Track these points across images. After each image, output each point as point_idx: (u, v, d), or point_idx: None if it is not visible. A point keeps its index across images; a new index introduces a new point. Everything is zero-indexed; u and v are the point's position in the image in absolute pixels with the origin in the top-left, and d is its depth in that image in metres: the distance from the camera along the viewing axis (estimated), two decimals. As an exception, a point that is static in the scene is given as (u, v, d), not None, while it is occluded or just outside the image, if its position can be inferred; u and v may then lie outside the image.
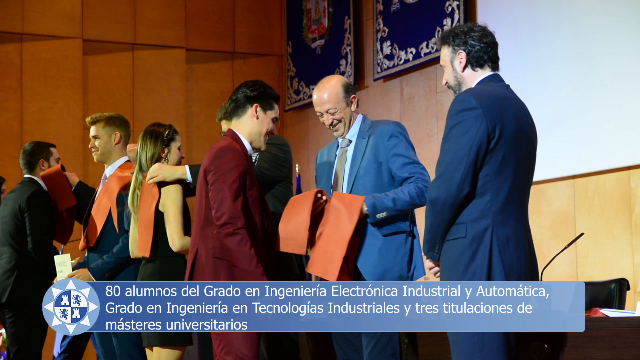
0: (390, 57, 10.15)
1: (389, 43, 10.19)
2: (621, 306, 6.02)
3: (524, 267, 4.08)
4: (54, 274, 6.19)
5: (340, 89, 5.08)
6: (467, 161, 4.02)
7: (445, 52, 4.30)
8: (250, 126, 4.86)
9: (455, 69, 4.27)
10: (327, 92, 5.09)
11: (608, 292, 6.11)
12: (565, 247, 5.38)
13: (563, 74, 8.07)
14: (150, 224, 5.25)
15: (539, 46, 8.32)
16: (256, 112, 4.84)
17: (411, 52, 9.84)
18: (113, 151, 6.00)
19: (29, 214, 6.51)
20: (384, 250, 4.94)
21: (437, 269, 4.24)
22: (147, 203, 5.27)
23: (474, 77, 4.25)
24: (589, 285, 6.49)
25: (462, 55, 4.24)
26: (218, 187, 4.62)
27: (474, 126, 4.02)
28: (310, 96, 11.29)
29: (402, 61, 9.98)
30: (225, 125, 5.64)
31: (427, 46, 9.63)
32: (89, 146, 6.05)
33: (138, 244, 5.33)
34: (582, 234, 5.58)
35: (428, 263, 4.28)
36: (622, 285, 6.13)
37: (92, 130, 6.00)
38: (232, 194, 4.61)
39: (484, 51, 4.24)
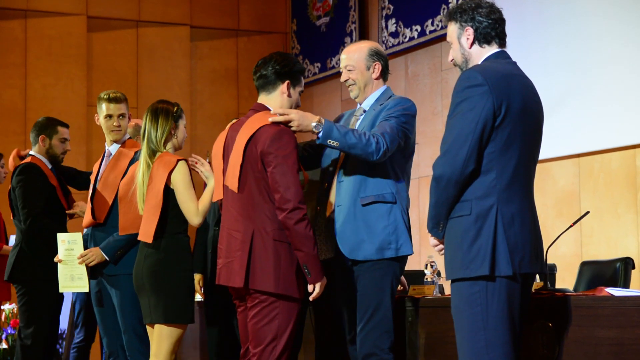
0: (395, 34, 10.12)
1: (394, 20, 10.15)
2: (626, 285, 6.01)
3: (529, 246, 4.06)
4: (45, 249, 6.19)
5: (366, 51, 5.05)
6: (472, 138, 3.98)
7: (452, 29, 4.25)
8: (280, 102, 4.81)
9: (463, 45, 4.23)
10: (351, 50, 5.09)
11: (613, 271, 6.10)
12: (571, 226, 5.35)
13: (569, 53, 8.05)
14: (157, 209, 5.25)
15: (544, 25, 8.29)
16: (287, 89, 4.80)
17: (416, 30, 9.81)
18: (127, 129, 6.02)
19: (17, 190, 6.49)
20: (362, 220, 4.87)
21: (441, 246, 4.21)
22: (156, 187, 5.26)
23: (481, 54, 4.22)
24: (593, 264, 6.48)
25: (469, 32, 4.20)
26: (282, 170, 4.57)
27: (480, 103, 3.98)
28: (315, 74, 11.30)
29: (407, 39, 9.96)
30: None
31: (432, 24, 9.60)
32: (114, 125, 5.92)
33: (141, 228, 5.34)
34: (587, 212, 5.55)
35: (432, 240, 4.24)
36: (627, 264, 6.12)
37: (120, 108, 5.93)
38: (295, 178, 4.59)
39: (492, 27, 4.20)
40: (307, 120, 4.71)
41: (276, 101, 4.81)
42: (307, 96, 11.55)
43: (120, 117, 5.92)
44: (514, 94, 4.05)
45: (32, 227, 6.39)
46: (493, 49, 4.22)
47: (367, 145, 4.71)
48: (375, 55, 5.06)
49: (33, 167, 6.50)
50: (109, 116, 5.92)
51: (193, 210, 5.21)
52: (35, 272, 6.44)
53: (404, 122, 4.87)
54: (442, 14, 9.43)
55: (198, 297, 6.54)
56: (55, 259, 5.93)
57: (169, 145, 5.36)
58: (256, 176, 4.64)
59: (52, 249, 6.10)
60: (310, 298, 4.66)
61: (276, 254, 4.60)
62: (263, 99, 4.84)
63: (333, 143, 4.71)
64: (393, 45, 10.08)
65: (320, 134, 4.71)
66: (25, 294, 6.50)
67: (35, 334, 6.49)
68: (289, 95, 4.81)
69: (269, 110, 4.79)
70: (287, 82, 4.79)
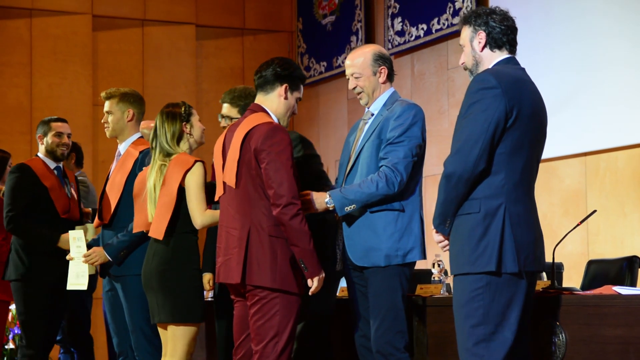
0: (401, 33, 10.11)
1: (400, 19, 10.15)
2: (633, 284, 6.02)
3: (532, 245, 4.17)
4: (33, 249, 6.21)
5: (370, 56, 5.05)
6: (484, 138, 4.08)
7: (466, 32, 4.37)
8: (276, 104, 4.87)
9: (475, 48, 4.35)
10: (356, 57, 5.09)
11: (620, 270, 6.11)
12: (577, 225, 5.36)
13: (575, 52, 8.05)
14: (170, 206, 5.23)
15: (550, 24, 8.29)
16: (285, 92, 4.85)
17: (422, 29, 9.80)
18: (125, 128, 5.97)
19: (4, 190, 6.54)
20: (370, 228, 4.91)
21: (445, 242, 4.31)
22: (170, 186, 5.24)
23: (491, 58, 4.34)
24: (600, 262, 6.48)
25: (482, 35, 4.32)
26: (275, 166, 4.62)
27: (493, 105, 4.09)
28: (321, 73, 11.29)
29: (413, 37, 9.95)
30: (227, 109, 5.67)
31: (438, 22, 9.59)
32: (102, 121, 6.03)
33: (152, 224, 5.32)
34: (594, 211, 5.55)
35: (437, 237, 4.33)
36: (633, 262, 6.12)
37: (106, 106, 5.97)
38: (289, 174, 4.63)
39: (504, 33, 4.32)
40: (320, 199, 4.85)
41: (273, 102, 4.88)
42: (313, 95, 11.55)
43: (107, 114, 5.96)
44: (525, 98, 4.17)
45: (10, 227, 6.40)
46: (503, 54, 4.34)
47: (380, 190, 4.81)
48: (380, 59, 5.07)
49: (23, 168, 6.49)
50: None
51: (199, 210, 5.18)
52: (20, 272, 6.44)
53: (414, 135, 4.91)
54: (448, 12, 9.42)
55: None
56: (68, 257, 5.94)
57: (185, 146, 5.36)
58: (251, 173, 4.69)
59: (35, 248, 6.12)
60: (310, 292, 4.70)
61: (272, 249, 4.64)
62: (260, 99, 4.90)
63: (351, 208, 4.85)
64: (399, 44, 10.07)
65: (336, 209, 4.85)
66: (15, 292, 6.50)
67: (28, 335, 6.45)
68: (286, 98, 4.87)
69: (266, 111, 4.85)
70: (285, 85, 4.86)
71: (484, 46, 4.33)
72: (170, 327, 5.23)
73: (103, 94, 5.98)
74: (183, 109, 5.37)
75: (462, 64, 4.44)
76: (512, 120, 4.11)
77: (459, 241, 4.18)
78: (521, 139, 4.15)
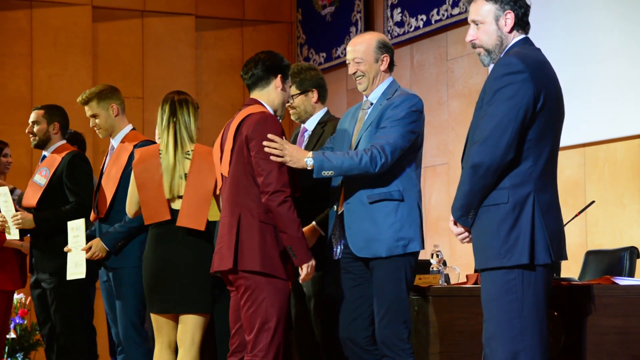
0: (400, 24, 10.11)
1: (399, 10, 10.15)
2: (631, 274, 6.04)
3: (560, 235, 4.10)
4: None
5: (374, 43, 5.05)
6: (514, 125, 3.95)
7: (489, 8, 4.17)
8: (274, 96, 4.91)
9: (501, 27, 4.16)
10: (359, 42, 5.09)
11: (618, 261, 6.13)
12: (576, 215, 5.38)
13: (574, 44, 8.05)
14: (207, 199, 5.21)
15: (550, 16, 8.29)
16: (281, 83, 4.89)
17: (422, 19, 9.80)
18: (115, 123, 5.99)
19: None
20: (370, 219, 4.90)
21: (465, 234, 4.16)
22: (203, 178, 5.22)
23: (512, 39, 4.19)
24: (599, 253, 6.50)
25: (510, 16, 4.15)
26: (265, 154, 4.66)
27: (521, 90, 3.97)
28: (320, 64, 11.29)
29: (412, 28, 9.95)
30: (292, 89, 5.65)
31: (437, 13, 9.59)
32: (91, 125, 6.01)
33: (184, 214, 5.22)
34: (592, 202, 5.58)
35: (457, 229, 4.17)
36: (632, 253, 6.14)
37: (88, 110, 5.97)
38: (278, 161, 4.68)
39: (527, 14, 4.19)
40: (300, 154, 4.75)
41: (270, 95, 4.91)
42: (313, 86, 11.53)
43: (93, 118, 5.96)
44: (550, 82, 4.08)
45: None
46: (520, 34, 4.20)
47: (362, 164, 4.75)
48: (384, 47, 5.08)
49: None
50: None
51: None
52: None
53: (409, 123, 4.89)
54: (447, 3, 9.42)
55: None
56: (66, 249, 5.96)
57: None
58: (243, 162, 4.74)
59: None
60: (300, 280, 4.74)
61: (262, 234, 4.69)
62: (256, 94, 4.92)
63: (328, 173, 4.77)
64: (398, 35, 10.08)
65: (313, 170, 4.75)
66: None
67: None
68: (283, 89, 4.91)
69: (261, 104, 4.88)
70: (279, 75, 4.89)
71: (513, 27, 4.15)
72: (185, 317, 5.24)
73: (79, 100, 5.97)
74: (197, 106, 5.39)
75: (472, 40, 4.22)
76: (539, 105, 3.99)
77: (486, 233, 4.03)
78: (547, 124, 4.04)
